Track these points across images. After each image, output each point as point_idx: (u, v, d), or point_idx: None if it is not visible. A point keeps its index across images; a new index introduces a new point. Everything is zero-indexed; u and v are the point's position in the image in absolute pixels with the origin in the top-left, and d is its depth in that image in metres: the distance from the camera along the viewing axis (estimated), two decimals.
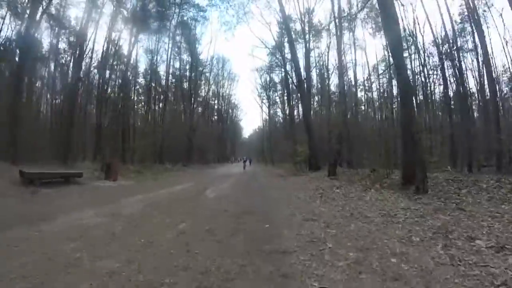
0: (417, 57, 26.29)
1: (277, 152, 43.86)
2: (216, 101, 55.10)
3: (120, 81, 27.59)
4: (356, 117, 31.28)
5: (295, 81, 27.57)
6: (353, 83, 35.09)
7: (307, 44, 32.32)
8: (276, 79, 49.77)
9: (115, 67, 28.33)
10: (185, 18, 35.85)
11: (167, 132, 28.71)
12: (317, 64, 38.73)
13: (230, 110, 63.97)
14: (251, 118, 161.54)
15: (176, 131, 33.87)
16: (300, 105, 44.24)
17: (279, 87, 51.47)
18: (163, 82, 38.67)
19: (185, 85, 38.08)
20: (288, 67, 35.14)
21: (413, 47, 26.59)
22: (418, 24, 26.11)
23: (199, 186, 12.77)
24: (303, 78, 25.31)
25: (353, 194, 8.74)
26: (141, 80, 36.00)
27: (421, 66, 26.18)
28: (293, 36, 38.23)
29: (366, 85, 38.52)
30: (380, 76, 35.24)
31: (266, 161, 49.94)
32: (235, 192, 10.96)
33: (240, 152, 79.96)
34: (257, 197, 9.53)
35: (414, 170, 9.42)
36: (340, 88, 20.31)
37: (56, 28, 23.09)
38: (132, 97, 31.76)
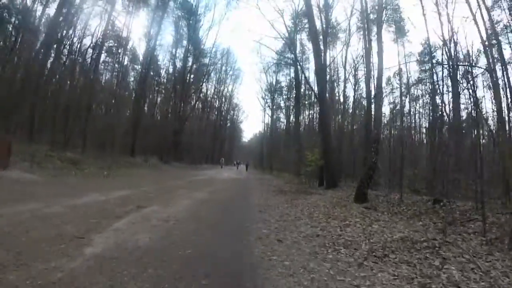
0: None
1: (277, 159, 37.33)
2: (216, 98, 48.64)
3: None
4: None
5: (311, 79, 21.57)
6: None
7: (326, 42, 26.38)
8: (283, 82, 43.71)
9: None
10: None
11: (139, 120, 22.06)
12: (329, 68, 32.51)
13: (231, 111, 57.52)
14: (252, 121, 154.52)
15: (162, 122, 27.46)
16: (306, 111, 38.19)
17: (284, 90, 45.42)
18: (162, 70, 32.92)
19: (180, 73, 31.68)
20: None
21: None
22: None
23: (142, 199, 6.31)
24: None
25: None
26: (138, 67, 30.03)
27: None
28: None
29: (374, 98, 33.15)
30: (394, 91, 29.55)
31: (264, 168, 43.31)
32: (190, 234, 4.44)
33: (239, 156, 73.29)
34: (231, 268, 2.97)
35: None
36: (378, 79, 13.74)
37: None
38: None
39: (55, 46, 18.56)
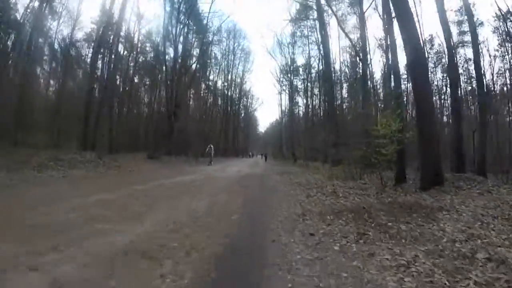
0: None
1: (302, 146, 29.24)
2: (224, 81, 40.80)
3: None
4: None
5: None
6: None
7: None
8: (300, 59, 35.92)
9: None
10: None
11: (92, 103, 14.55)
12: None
13: (243, 98, 49.33)
14: (267, 110, 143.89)
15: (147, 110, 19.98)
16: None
17: (301, 70, 37.26)
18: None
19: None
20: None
21: None
22: None
23: None
24: None
25: None
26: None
27: None
28: None
29: None
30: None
31: (284, 157, 35.33)
32: None
33: (255, 147, 65.69)
34: None
35: None
36: None
37: None
38: None
39: None
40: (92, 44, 19.97)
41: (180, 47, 24.25)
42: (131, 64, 23.25)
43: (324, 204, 5.33)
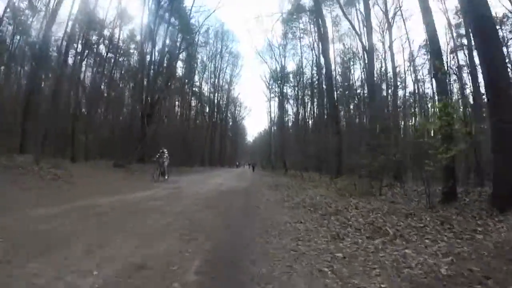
0: None
1: (293, 155, 26.38)
2: (211, 86, 37.77)
3: None
4: None
5: None
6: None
7: None
8: (291, 64, 33.70)
9: None
10: None
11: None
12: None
13: (231, 104, 46.12)
14: (255, 120, 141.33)
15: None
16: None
17: (291, 77, 34.84)
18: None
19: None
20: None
21: None
22: None
23: None
24: None
25: None
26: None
27: None
28: None
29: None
30: None
31: (274, 167, 32.45)
32: None
33: (243, 157, 62.63)
34: None
35: None
36: None
37: None
38: None
39: None
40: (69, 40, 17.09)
41: (160, 43, 21.58)
42: (109, 62, 20.31)
43: (386, 268, 2.42)
